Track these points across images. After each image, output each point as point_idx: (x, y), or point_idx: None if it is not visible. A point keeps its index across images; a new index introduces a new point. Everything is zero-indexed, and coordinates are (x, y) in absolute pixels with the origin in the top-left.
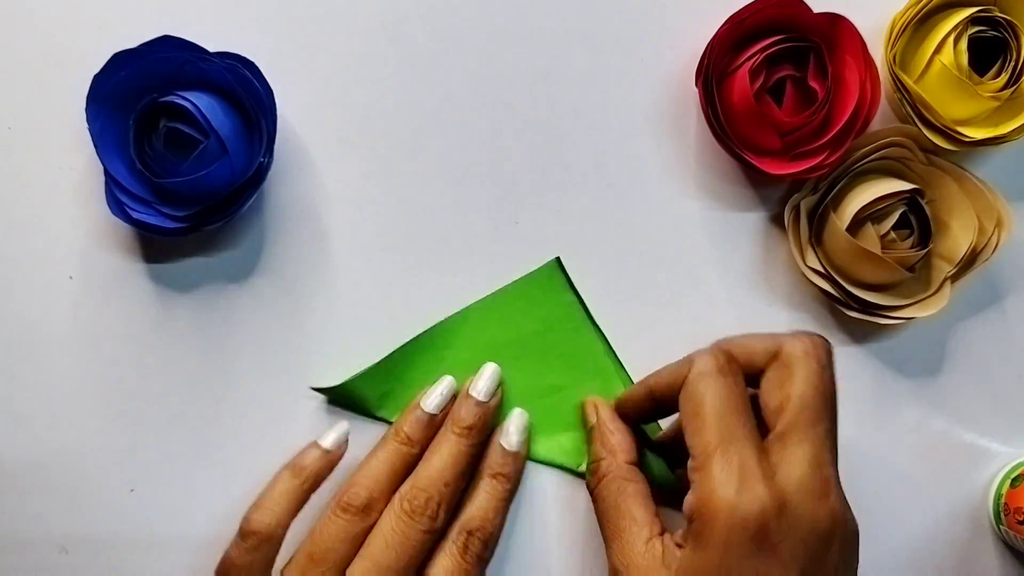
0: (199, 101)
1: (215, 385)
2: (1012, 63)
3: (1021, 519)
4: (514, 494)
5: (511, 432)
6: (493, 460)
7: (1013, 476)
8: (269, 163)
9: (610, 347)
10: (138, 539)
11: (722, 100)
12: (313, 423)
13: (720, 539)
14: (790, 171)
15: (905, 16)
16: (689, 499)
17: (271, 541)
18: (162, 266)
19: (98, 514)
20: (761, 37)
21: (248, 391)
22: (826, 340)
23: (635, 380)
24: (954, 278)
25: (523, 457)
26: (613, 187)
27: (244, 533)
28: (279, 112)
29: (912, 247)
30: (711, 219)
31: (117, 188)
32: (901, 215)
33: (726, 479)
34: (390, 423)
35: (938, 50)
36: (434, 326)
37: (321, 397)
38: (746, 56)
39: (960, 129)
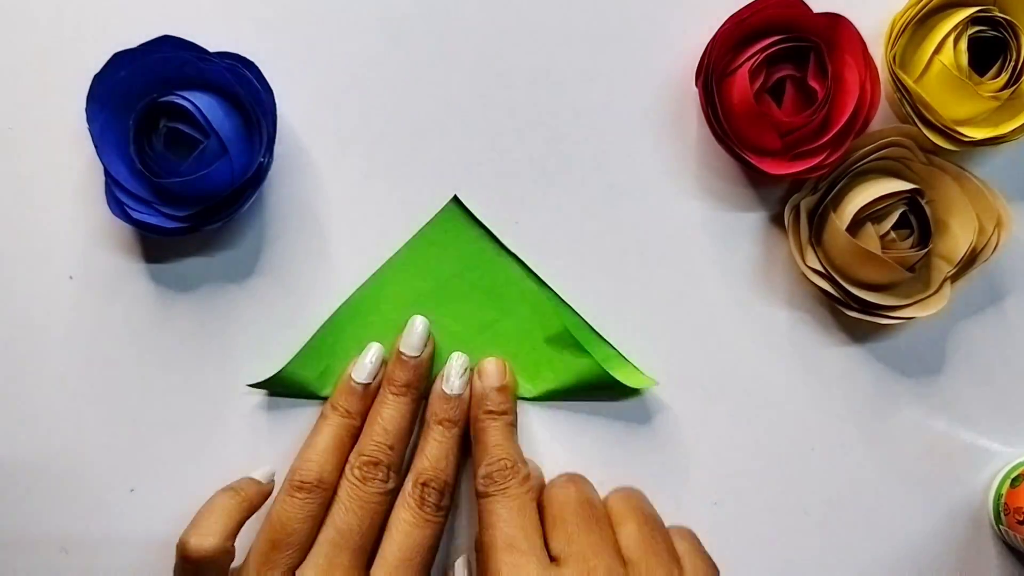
0: (199, 101)
1: (215, 385)
2: (1012, 63)
3: (1021, 519)
4: (462, 436)
5: (451, 376)
6: (437, 407)
7: (1013, 476)
8: (269, 163)
9: (529, 269)
10: (138, 539)
11: (722, 100)
12: (311, 421)
13: None
14: (790, 171)
15: (905, 16)
16: None
17: (217, 558)
18: (162, 266)
19: (98, 514)
20: (761, 37)
21: (248, 391)
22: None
23: (574, 309)
24: (954, 278)
25: (467, 400)
26: (613, 187)
27: (187, 554)
28: (279, 112)
29: (912, 247)
30: (711, 219)
31: (117, 188)
32: (901, 215)
33: None
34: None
35: (938, 50)
36: (353, 294)
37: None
38: (746, 56)
39: (960, 129)
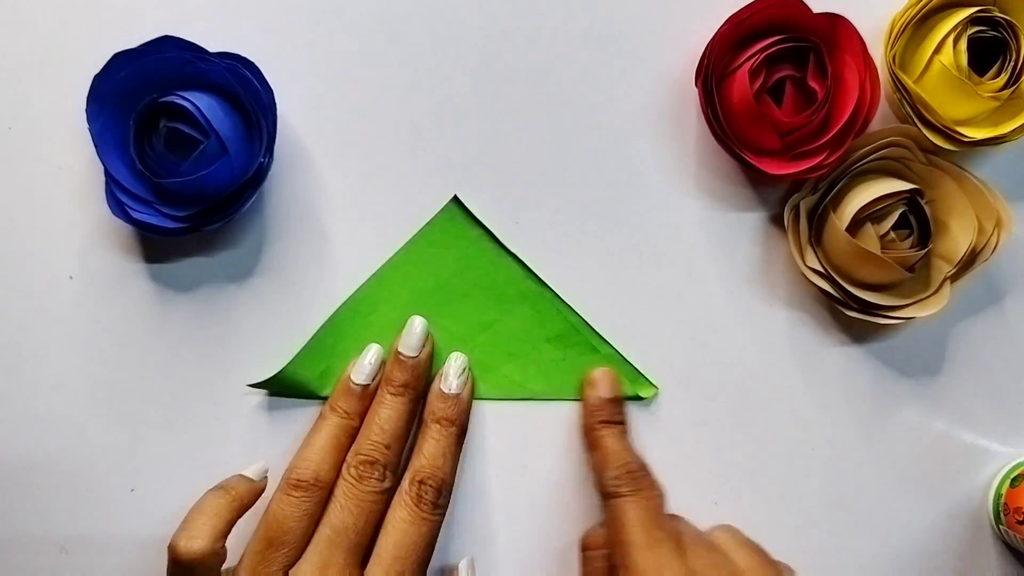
0: (199, 101)
1: (215, 385)
2: (1012, 63)
3: (1021, 519)
4: (463, 438)
5: (450, 376)
6: (435, 406)
7: (1013, 476)
8: (269, 163)
9: (529, 269)
10: (138, 539)
11: (722, 100)
12: (311, 421)
13: None
14: (790, 171)
15: (905, 16)
16: None
17: (207, 560)
18: (162, 266)
19: (98, 514)
20: (761, 37)
21: (248, 391)
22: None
23: (574, 309)
24: (954, 278)
25: (466, 399)
26: (613, 187)
27: (178, 556)
28: (279, 112)
29: (912, 247)
30: (711, 219)
31: (117, 188)
32: (901, 215)
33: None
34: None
35: (938, 50)
36: (353, 294)
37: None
38: (746, 56)
39: (960, 129)
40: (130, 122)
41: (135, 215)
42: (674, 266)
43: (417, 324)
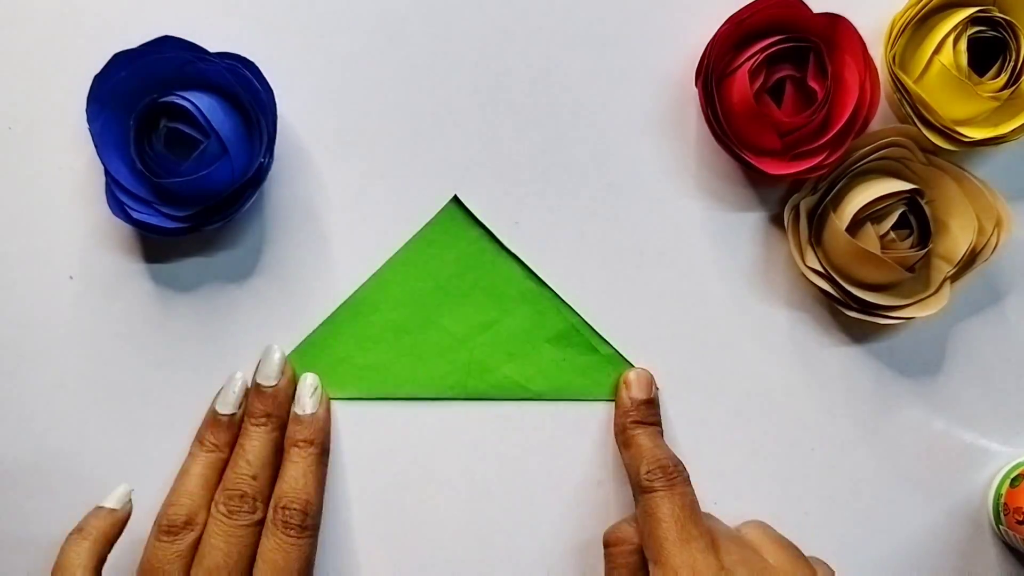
0: (199, 101)
1: (215, 385)
2: (1012, 63)
3: (1021, 519)
4: (324, 457)
5: (303, 397)
6: (292, 429)
7: (1013, 476)
8: (269, 163)
9: (529, 269)
10: (138, 539)
11: (722, 100)
12: None
13: None
14: (790, 171)
15: (905, 16)
16: None
17: None
18: (162, 266)
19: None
20: (761, 37)
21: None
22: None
23: (574, 309)
24: (954, 278)
25: (322, 418)
26: (613, 187)
27: None
28: (279, 112)
29: (912, 247)
30: (711, 219)
31: (117, 188)
32: (901, 215)
33: None
34: (329, 400)
35: (938, 50)
36: (354, 294)
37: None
38: (746, 56)
39: (960, 129)
40: (130, 122)
41: (135, 215)
42: (674, 266)
43: (274, 352)
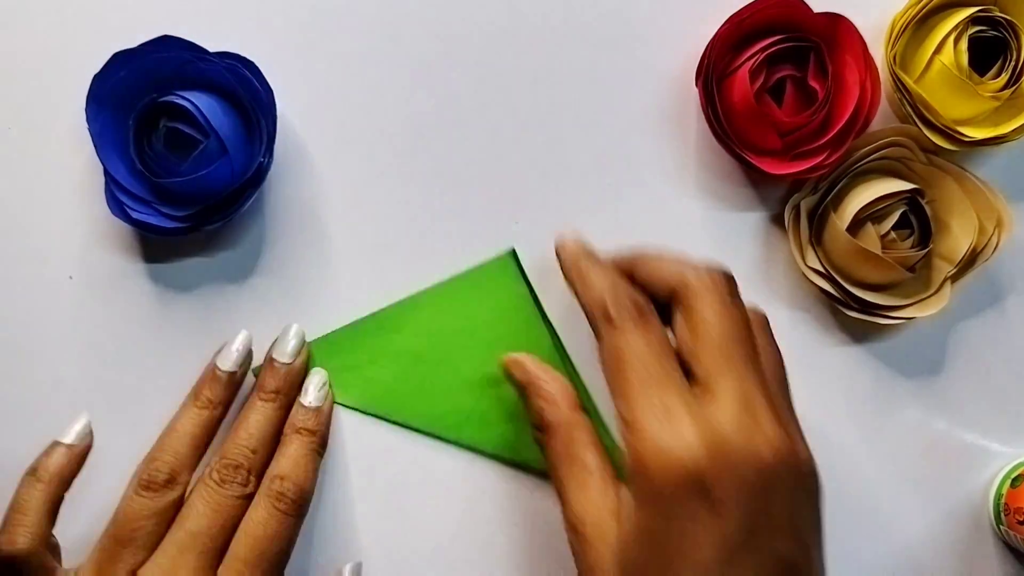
0: (199, 101)
1: None
2: (1012, 63)
3: (1021, 519)
4: (323, 451)
5: (309, 390)
6: (296, 417)
7: (1013, 476)
8: (269, 163)
9: (559, 343)
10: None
11: (722, 100)
12: None
13: (657, 492)
14: (790, 171)
15: (905, 16)
16: (626, 461)
17: (32, 559)
18: (162, 266)
19: (98, 514)
20: (761, 37)
21: (248, 391)
22: (728, 273)
23: (585, 382)
24: (954, 278)
25: (325, 413)
26: (613, 187)
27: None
28: (279, 112)
29: (912, 247)
30: (711, 219)
31: (117, 188)
32: (901, 215)
33: (653, 428)
34: (338, 402)
35: (938, 50)
36: (384, 308)
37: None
38: (746, 56)
39: (960, 129)
40: (130, 122)
41: (135, 215)
42: None
43: (293, 330)
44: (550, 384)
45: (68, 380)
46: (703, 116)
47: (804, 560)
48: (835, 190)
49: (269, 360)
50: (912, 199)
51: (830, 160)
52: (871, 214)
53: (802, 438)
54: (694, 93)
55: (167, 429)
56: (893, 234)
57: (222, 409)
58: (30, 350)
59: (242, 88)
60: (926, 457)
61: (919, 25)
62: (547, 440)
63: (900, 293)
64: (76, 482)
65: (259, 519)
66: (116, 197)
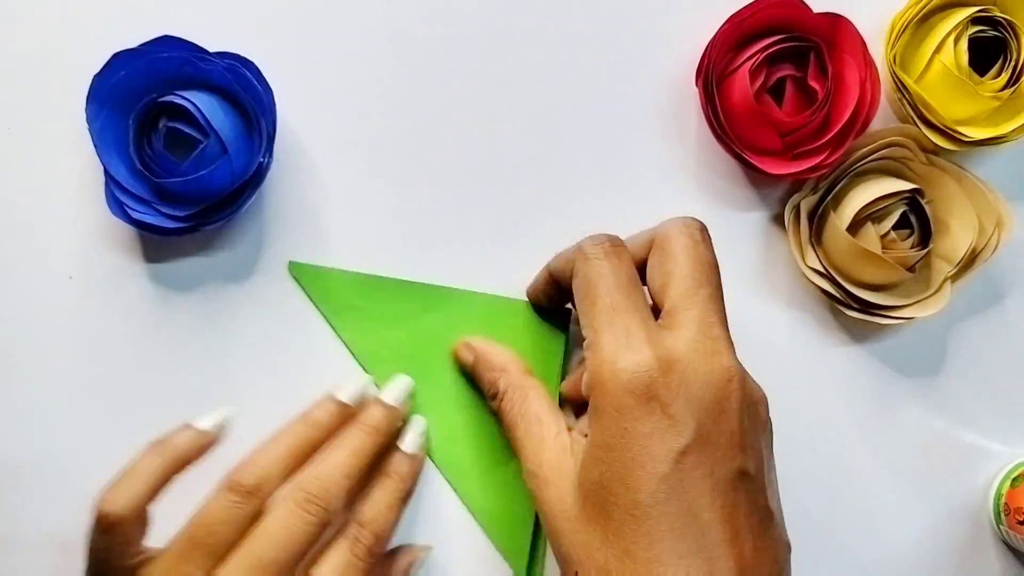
0: (199, 101)
1: (215, 385)
2: (1012, 63)
3: (1021, 519)
4: (410, 497)
5: (409, 436)
6: (392, 462)
7: (1013, 476)
8: (269, 163)
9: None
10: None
11: (722, 100)
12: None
13: (611, 405)
14: (790, 171)
15: (905, 16)
16: (584, 379)
17: (123, 524)
18: (162, 266)
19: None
20: (761, 37)
21: (248, 391)
22: (698, 220)
23: None
24: (954, 278)
25: (420, 460)
26: (613, 187)
27: (95, 516)
28: (279, 112)
29: (912, 247)
30: (711, 219)
31: (117, 188)
32: (901, 215)
33: (612, 347)
34: (332, 326)
35: (938, 50)
36: (433, 285)
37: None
38: (746, 56)
39: (960, 129)
40: (130, 122)
41: (135, 215)
42: None
43: (405, 382)
44: (498, 356)
45: (68, 380)
46: (703, 116)
47: (756, 470)
48: (835, 190)
49: (377, 399)
50: (912, 199)
51: (830, 160)
52: (871, 214)
53: (743, 367)
54: (694, 93)
55: (269, 438)
56: (893, 234)
57: (323, 433)
58: (30, 350)
59: (242, 88)
60: (926, 457)
61: (919, 25)
62: (500, 404)
63: (900, 293)
64: (86, 480)
65: (335, 564)
66: (116, 197)
